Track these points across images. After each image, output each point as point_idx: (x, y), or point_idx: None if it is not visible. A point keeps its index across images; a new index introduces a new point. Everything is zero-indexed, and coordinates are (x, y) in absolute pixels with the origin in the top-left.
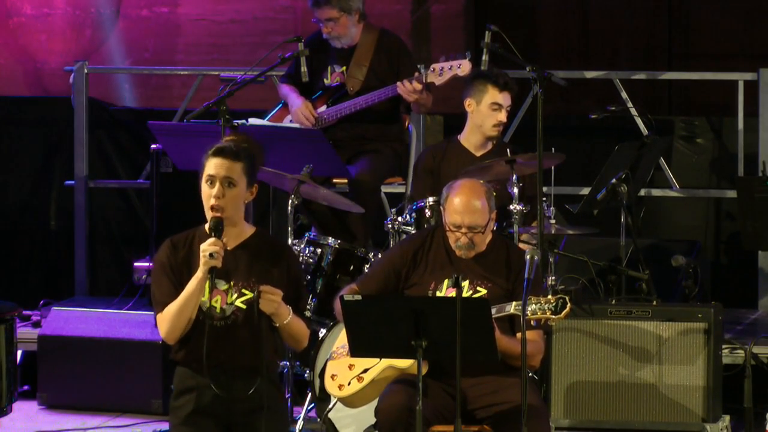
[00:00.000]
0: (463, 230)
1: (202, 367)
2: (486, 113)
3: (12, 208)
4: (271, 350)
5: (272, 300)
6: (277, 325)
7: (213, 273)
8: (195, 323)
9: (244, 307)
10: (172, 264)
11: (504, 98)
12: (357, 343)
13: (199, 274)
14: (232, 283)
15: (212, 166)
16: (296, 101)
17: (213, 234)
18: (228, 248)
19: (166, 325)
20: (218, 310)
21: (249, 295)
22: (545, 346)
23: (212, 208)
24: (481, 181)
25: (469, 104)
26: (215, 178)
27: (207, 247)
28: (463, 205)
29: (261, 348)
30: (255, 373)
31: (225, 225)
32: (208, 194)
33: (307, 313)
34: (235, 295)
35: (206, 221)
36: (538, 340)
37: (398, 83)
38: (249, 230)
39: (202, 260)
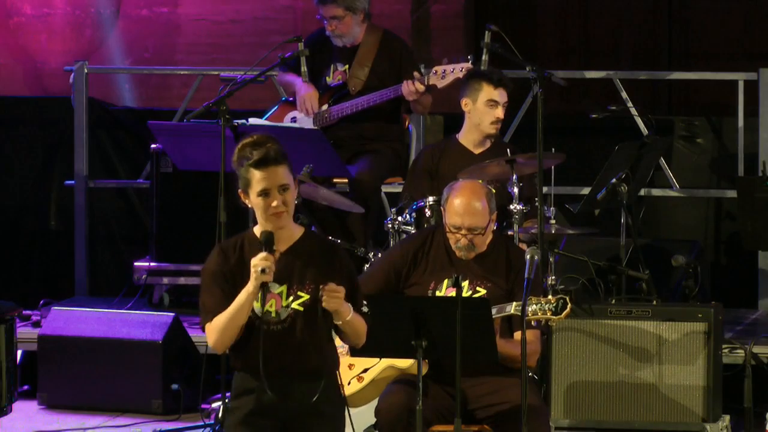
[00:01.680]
0: (463, 232)
1: (259, 372)
2: (483, 111)
3: (12, 208)
4: (331, 352)
5: (336, 297)
6: (340, 323)
7: (265, 288)
8: (252, 329)
9: (301, 309)
10: (225, 272)
11: (500, 94)
12: None
13: (250, 287)
14: (286, 286)
15: (262, 178)
16: (303, 87)
17: (264, 248)
18: (281, 251)
19: (214, 335)
20: (273, 314)
21: (305, 297)
22: (544, 345)
23: (275, 215)
24: (481, 182)
25: (466, 103)
26: (270, 188)
27: (258, 262)
28: (463, 207)
29: (323, 349)
30: (316, 375)
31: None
32: (265, 205)
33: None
34: (291, 298)
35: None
36: (534, 340)
37: (403, 83)
38: (298, 232)
39: (253, 275)
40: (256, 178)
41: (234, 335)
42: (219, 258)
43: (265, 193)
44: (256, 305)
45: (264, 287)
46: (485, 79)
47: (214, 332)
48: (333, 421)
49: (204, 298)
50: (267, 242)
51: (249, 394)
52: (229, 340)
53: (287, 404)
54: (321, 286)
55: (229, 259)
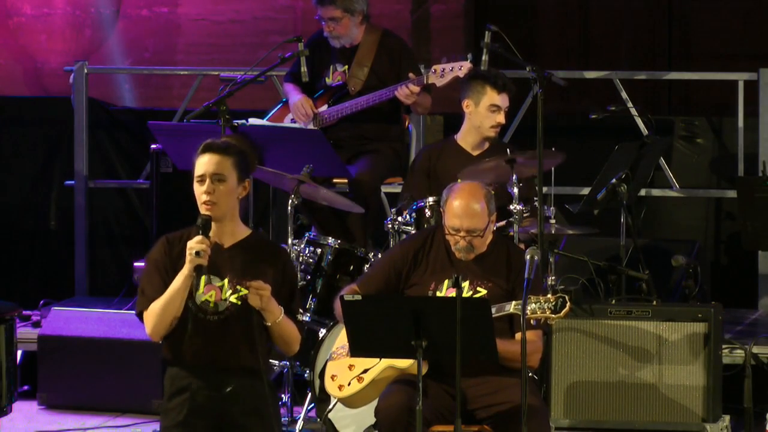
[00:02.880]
0: (462, 233)
1: (193, 362)
2: (484, 114)
3: (12, 208)
4: (265, 351)
5: (261, 294)
6: (269, 324)
7: (200, 271)
8: (188, 318)
9: (238, 303)
10: (167, 262)
11: (502, 100)
12: (357, 343)
13: (185, 271)
14: (227, 279)
15: (201, 164)
16: (296, 96)
17: (201, 232)
18: (224, 246)
19: (151, 321)
20: (212, 305)
21: (244, 292)
22: (544, 345)
23: (204, 203)
24: (481, 183)
25: (467, 105)
26: (205, 176)
27: (194, 245)
28: (462, 209)
29: (257, 346)
30: (248, 372)
31: (221, 222)
32: (199, 192)
33: (300, 317)
34: (230, 292)
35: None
36: (536, 340)
37: (398, 89)
38: (245, 231)
39: (188, 258)
40: (198, 164)
41: (170, 322)
42: (163, 248)
43: (200, 180)
44: (198, 293)
45: (200, 272)
46: (489, 82)
47: (151, 318)
48: (269, 423)
49: (143, 284)
50: (204, 226)
51: (183, 394)
52: (164, 328)
53: (222, 404)
54: (247, 283)
55: (173, 250)
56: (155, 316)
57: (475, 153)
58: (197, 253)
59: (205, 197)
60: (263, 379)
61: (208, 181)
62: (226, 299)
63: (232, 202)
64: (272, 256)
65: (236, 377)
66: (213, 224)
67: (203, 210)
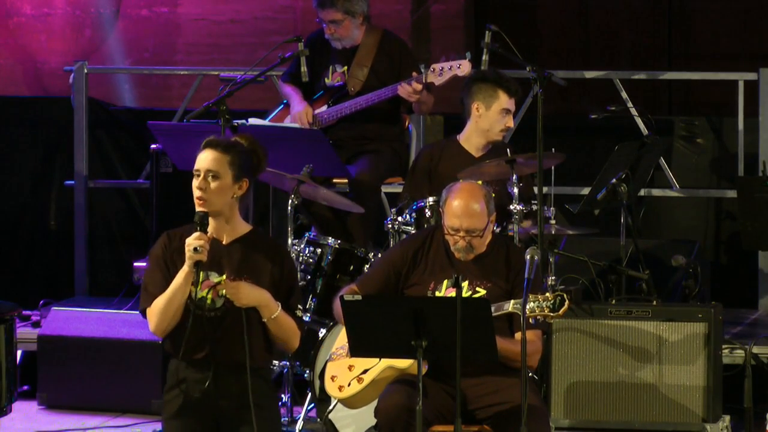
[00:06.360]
0: (462, 233)
1: (191, 357)
2: (495, 118)
3: (12, 208)
4: (263, 347)
5: (231, 293)
6: (264, 319)
7: (199, 267)
8: (186, 315)
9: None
10: (166, 256)
11: (512, 104)
12: (357, 343)
13: (186, 268)
14: (224, 276)
15: (199, 160)
16: (299, 105)
17: (198, 228)
18: (223, 243)
19: (154, 318)
20: (209, 302)
21: None
22: (544, 345)
23: (196, 199)
24: (480, 183)
25: (477, 108)
26: (199, 171)
27: (192, 241)
28: (461, 209)
29: (254, 342)
30: (243, 368)
31: (217, 219)
32: (193, 187)
33: (299, 313)
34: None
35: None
36: (535, 339)
37: (399, 86)
38: (245, 227)
39: (187, 254)
40: (197, 158)
41: (172, 319)
42: (163, 243)
43: (196, 174)
44: (192, 289)
45: (198, 268)
46: (502, 86)
47: (154, 315)
48: (265, 419)
49: (146, 281)
50: (200, 222)
51: (179, 386)
52: (168, 324)
53: (216, 397)
54: (218, 287)
55: (172, 244)
56: (158, 313)
57: (478, 155)
58: (195, 249)
59: (197, 192)
60: (262, 375)
61: (201, 176)
62: (222, 295)
63: (225, 200)
64: (271, 252)
65: (233, 372)
66: (211, 220)
67: (196, 205)
